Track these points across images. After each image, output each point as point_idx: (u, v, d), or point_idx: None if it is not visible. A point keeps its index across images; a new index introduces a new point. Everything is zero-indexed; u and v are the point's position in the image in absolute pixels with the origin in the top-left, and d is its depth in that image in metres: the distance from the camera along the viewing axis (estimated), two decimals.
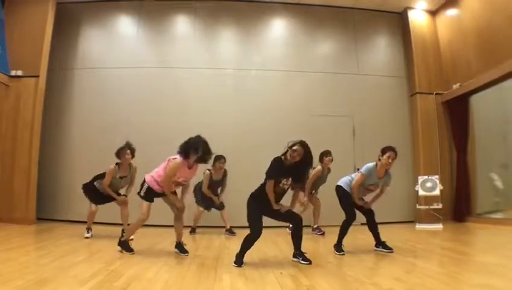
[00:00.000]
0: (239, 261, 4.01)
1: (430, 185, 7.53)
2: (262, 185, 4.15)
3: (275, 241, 5.82)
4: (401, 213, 8.21)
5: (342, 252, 4.67)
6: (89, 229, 5.96)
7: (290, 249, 4.53)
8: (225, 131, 7.20)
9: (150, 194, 4.56)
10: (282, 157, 4.07)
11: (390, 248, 4.75)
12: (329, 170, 6.77)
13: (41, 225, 7.22)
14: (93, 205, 5.96)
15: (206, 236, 6.45)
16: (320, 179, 6.66)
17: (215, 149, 6.82)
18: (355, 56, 8.79)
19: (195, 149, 4.30)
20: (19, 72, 7.62)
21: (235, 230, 6.63)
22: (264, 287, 3.19)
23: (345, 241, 4.78)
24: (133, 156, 5.81)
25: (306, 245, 4.40)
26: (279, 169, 4.04)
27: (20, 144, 7.44)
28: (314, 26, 8.80)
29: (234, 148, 7.32)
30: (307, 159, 4.04)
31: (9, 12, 7.73)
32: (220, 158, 6.52)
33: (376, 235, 4.91)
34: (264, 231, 7.16)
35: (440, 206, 7.53)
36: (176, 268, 3.89)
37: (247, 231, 4.23)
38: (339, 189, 4.93)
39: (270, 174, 4.05)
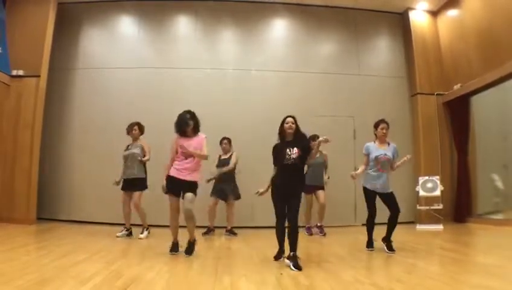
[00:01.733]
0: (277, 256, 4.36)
1: (431, 186, 7.53)
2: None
3: (275, 241, 5.81)
4: (402, 214, 8.04)
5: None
6: (126, 228, 6.12)
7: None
8: (225, 131, 7.18)
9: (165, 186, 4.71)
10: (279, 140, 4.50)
11: (393, 250, 4.78)
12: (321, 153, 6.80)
13: (42, 224, 7.23)
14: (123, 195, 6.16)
15: (207, 236, 6.45)
16: (320, 164, 6.75)
17: (216, 149, 6.95)
18: (356, 57, 8.79)
19: (185, 123, 4.75)
20: (20, 72, 7.62)
21: (235, 230, 6.65)
22: (265, 287, 3.19)
23: (346, 241, 4.79)
24: (141, 132, 6.25)
25: (307, 245, 4.40)
26: (276, 152, 4.47)
27: (21, 144, 7.45)
28: (315, 27, 8.80)
29: (234, 148, 7.30)
30: (298, 126, 4.45)
31: (10, 12, 7.73)
32: (222, 140, 6.95)
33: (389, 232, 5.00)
34: (264, 231, 7.18)
35: (440, 206, 7.53)
36: (176, 269, 3.90)
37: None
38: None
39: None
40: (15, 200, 7.29)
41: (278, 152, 4.38)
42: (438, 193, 7.47)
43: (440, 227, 7.18)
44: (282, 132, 4.44)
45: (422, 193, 7.59)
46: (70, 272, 3.50)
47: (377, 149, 5.02)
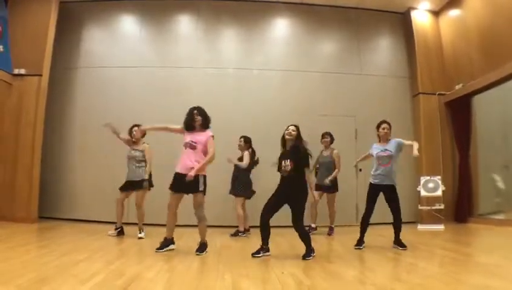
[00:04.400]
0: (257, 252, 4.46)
1: (432, 186, 7.52)
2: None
3: (276, 241, 5.82)
4: (403, 214, 8.08)
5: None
6: (117, 228, 6.10)
7: (291, 249, 4.54)
8: (226, 130, 7.18)
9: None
10: (282, 146, 4.67)
11: (404, 246, 4.98)
12: (327, 149, 6.87)
13: (43, 223, 7.24)
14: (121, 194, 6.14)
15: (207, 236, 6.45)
16: (327, 163, 6.75)
17: (218, 148, 6.94)
18: (357, 56, 8.78)
19: (192, 120, 4.90)
20: (22, 71, 7.64)
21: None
22: (265, 286, 3.19)
23: (347, 241, 4.78)
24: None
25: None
26: (278, 160, 4.63)
27: (22, 143, 7.46)
28: (316, 26, 8.79)
29: (235, 147, 7.31)
30: (299, 135, 4.58)
31: (12, 11, 7.74)
32: (240, 138, 6.83)
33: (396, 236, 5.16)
34: None
35: (442, 206, 7.52)
36: (177, 267, 3.89)
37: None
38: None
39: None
40: (16, 199, 7.31)
41: (279, 161, 4.62)
42: (439, 193, 7.46)
43: (441, 227, 7.17)
44: (283, 138, 4.64)
45: (423, 193, 7.58)
46: (71, 271, 3.50)
47: (377, 147, 5.32)
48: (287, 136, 4.57)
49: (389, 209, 5.14)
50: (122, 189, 6.15)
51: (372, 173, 5.29)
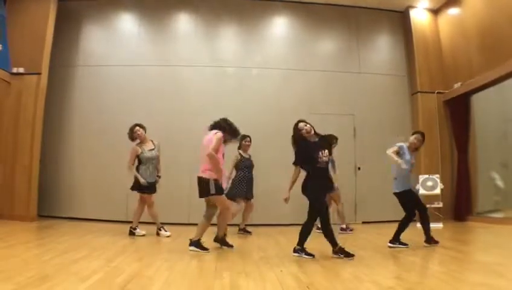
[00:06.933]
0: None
1: (431, 184, 7.52)
2: (307, 174, 4.32)
3: (276, 239, 5.83)
4: (402, 212, 8.16)
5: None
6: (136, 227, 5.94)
7: (291, 247, 4.54)
8: None
9: (220, 187, 4.69)
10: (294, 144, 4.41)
11: (431, 242, 4.99)
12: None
13: (42, 221, 7.24)
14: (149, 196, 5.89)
15: (205, 234, 6.46)
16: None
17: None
18: (356, 55, 8.78)
19: (233, 131, 5.02)
20: (21, 70, 7.63)
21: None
22: (264, 284, 3.19)
23: (346, 239, 4.78)
24: (144, 130, 5.99)
25: (307, 243, 4.41)
26: (304, 150, 4.31)
27: (21, 142, 7.45)
28: (316, 25, 8.79)
29: (233, 146, 7.31)
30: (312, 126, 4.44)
31: (11, 10, 7.73)
32: (245, 137, 6.58)
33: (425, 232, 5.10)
34: (265, 228, 7.20)
35: (441, 205, 7.52)
36: (176, 265, 3.89)
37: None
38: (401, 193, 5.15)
39: (295, 160, 4.35)
40: (16, 198, 7.30)
41: (308, 154, 4.29)
42: (438, 191, 7.46)
43: (440, 225, 7.17)
44: (300, 137, 4.39)
45: (422, 191, 7.58)
46: (70, 268, 3.51)
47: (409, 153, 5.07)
48: (306, 135, 4.36)
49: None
50: (152, 191, 5.94)
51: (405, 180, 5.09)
